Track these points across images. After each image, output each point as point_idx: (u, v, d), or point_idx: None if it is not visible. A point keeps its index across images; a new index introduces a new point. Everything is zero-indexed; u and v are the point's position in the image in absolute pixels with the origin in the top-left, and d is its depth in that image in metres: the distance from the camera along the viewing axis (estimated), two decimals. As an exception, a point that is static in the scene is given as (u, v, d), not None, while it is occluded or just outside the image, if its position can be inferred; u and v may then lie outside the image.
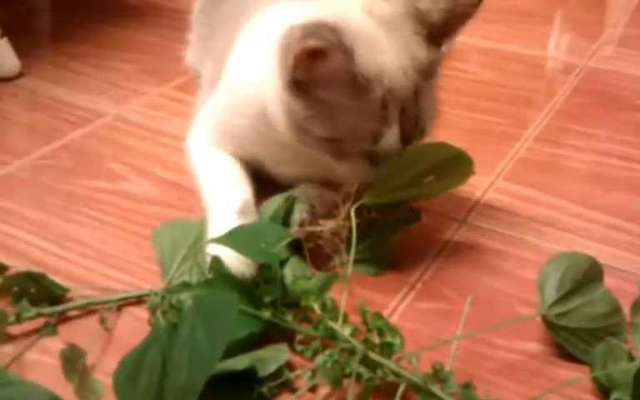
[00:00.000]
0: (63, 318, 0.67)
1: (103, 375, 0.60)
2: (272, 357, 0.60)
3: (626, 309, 0.64)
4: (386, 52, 0.68)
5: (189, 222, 0.74)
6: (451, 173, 0.73)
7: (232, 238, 0.67)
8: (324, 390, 0.60)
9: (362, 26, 0.69)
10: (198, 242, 0.71)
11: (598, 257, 0.66)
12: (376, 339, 0.61)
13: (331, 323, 0.61)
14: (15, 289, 0.66)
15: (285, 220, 0.73)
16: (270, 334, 0.62)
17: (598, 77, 1.21)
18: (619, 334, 0.63)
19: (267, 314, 0.62)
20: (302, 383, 0.60)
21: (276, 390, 0.59)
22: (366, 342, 0.60)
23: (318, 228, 0.69)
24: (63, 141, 0.98)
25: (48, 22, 1.44)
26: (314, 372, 0.60)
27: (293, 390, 0.60)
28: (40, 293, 0.67)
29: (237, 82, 0.79)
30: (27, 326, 0.65)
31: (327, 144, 0.70)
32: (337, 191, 0.74)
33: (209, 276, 0.66)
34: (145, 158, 0.94)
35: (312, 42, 0.63)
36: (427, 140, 0.73)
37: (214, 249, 0.67)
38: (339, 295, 0.65)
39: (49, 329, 0.65)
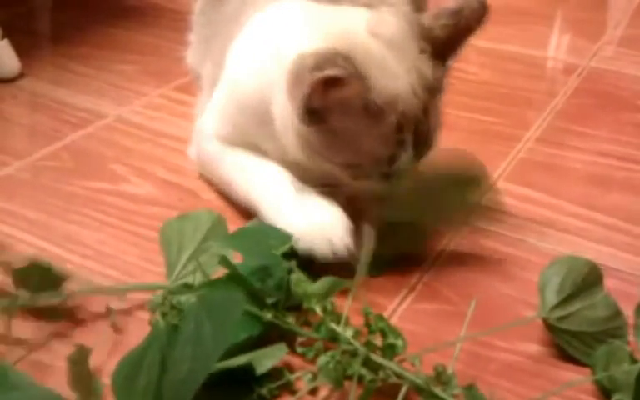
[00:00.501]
0: (74, 322, 0.67)
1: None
2: (270, 354, 0.60)
3: (626, 310, 0.64)
4: (396, 75, 0.68)
5: (199, 217, 0.73)
6: (465, 183, 0.75)
7: (237, 239, 0.67)
8: (324, 392, 0.60)
9: (372, 50, 0.68)
10: (206, 241, 0.71)
11: (599, 258, 0.66)
12: (378, 341, 0.61)
13: (333, 325, 0.61)
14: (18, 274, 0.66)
15: None
16: (270, 336, 0.62)
17: (599, 78, 1.21)
18: (621, 337, 0.63)
19: (268, 315, 0.62)
20: (303, 385, 0.60)
21: (276, 391, 0.59)
22: (368, 344, 0.60)
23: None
24: (64, 142, 0.98)
25: (49, 23, 1.44)
26: (315, 374, 0.60)
27: (293, 392, 0.60)
28: (44, 282, 0.66)
29: (239, 84, 0.79)
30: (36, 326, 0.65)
31: (342, 167, 0.71)
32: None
33: (211, 277, 0.66)
34: (146, 159, 0.93)
35: (329, 72, 0.63)
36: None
37: (301, 241, 0.69)
38: (340, 297, 0.65)
39: (54, 314, 0.65)
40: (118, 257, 0.76)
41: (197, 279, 0.66)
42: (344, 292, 0.67)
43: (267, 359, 0.59)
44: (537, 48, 1.33)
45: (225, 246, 0.67)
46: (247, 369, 0.58)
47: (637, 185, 0.91)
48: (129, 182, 0.89)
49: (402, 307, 0.70)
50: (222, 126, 0.83)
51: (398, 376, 0.57)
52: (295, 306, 0.65)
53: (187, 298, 0.63)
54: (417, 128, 0.69)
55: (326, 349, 0.61)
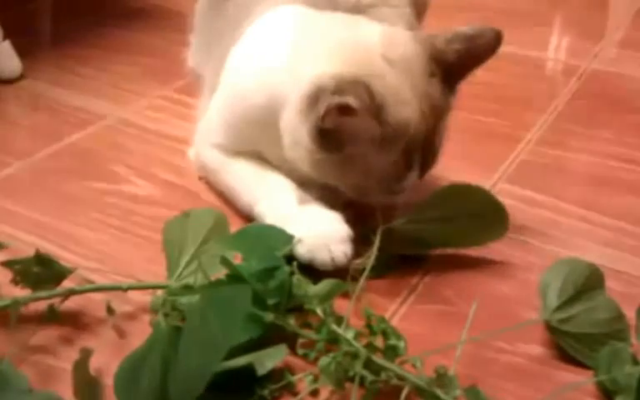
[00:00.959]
0: (78, 326, 0.67)
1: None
2: (271, 355, 0.60)
3: (629, 312, 0.64)
4: (408, 102, 0.68)
5: (201, 217, 0.73)
6: (483, 224, 0.74)
7: (238, 240, 0.67)
8: (325, 393, 0.60)
9: (388, 78, 0.68)
10: (207, 241, 0.71)
11: (602, 260, 0.66)
12: (379, 342, 0.60)
13: (334, 327, 0.61)
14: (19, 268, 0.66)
15: None
16: (271, 338, 0.62)
17: (601, 79, 1.21)
18: (623, 339, 0.63)
19: (269, 317, 0.62)
20: (304, 386, 0.60)
21: (277, 393, 0.59)
22: (369, 345, 0.60)
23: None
24: (65, 142, 0.98)
25: (50, 24, 1.44)
26: (316, 376, 0.60)
27: (295, 393, 0.60)
28: (45, 276, 0.66)
29: (247, 95, 0.78)
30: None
31: (348, 187, 0.72)
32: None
33: (212, 278, 0.66)
34: (147, 160, 0.93)
35: (348, 100, 0.64)
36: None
37: (300, 248, 0.69)
38: (341, 299, 0.64)
39: (53, 313, 0.65)
40: (119, 257, 0.76)
41: (198, 280, 0.66)
42: (345, 294, 0.67)
43: (268, 360, 0.59)
44: (539, 50, 1.33)
45: (226, 247, 0.67)
46: (249, 370, 0.58)
47: (639, 186, 0.91)
48: (130, 182, 0.89)
49: (403, 309, 0.70)
50: (225, 135, 0.82)
51: (400, 377, 0.57)
52: (296, 307, 0.65)
53: (188, 299, 0.63)
54: (425, 149, 0.70)
55: (327, 351, 0.61)
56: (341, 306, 0.65)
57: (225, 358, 0.54)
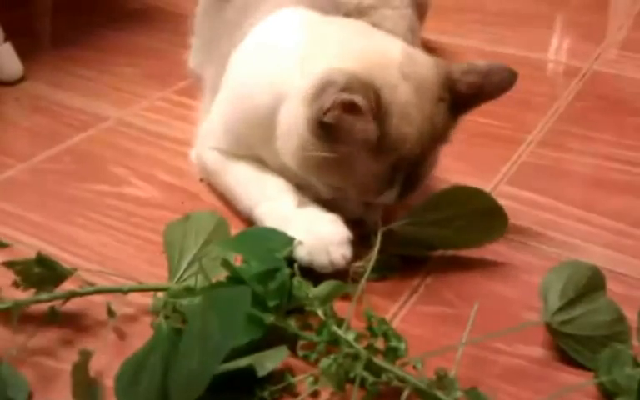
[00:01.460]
0: (78, 328, 0.67)
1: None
2: (271, 357, 0.60)
3: (631, 314, 0.64)
4: (412, 122, 0.69)
5: (202, 219, 0.73)
6: (482, 226, 0.74)
7: (239, 242, 0.67)
8: (326, 395, 0.60)
9: (399, 92, 0.68)
10: (208, 243, 0.71)
11: (603, 262, 0.66)
12: (380, 344, 0.60)
13: (334, 328, 0.61)
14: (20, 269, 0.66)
15: None
16: (272, 339, 0.62)
17: (602, 81, 1.21)
18: (624, 341, 0.63)
19: (270, 318, 0.62)
20: (304, 388, 0.60)
21: (278, 394, 0.59)
22: (370, 347, 0.60)
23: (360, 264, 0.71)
24: (66, 144, 0.98)
25: (51, 26, 1.44)
26: (316, 377, 0.60)
27: (295, 395, 0.60)
28: (46, 277, 0.66)
29: (252, 99, 0.78)
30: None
31: (327, 186, 0.72)
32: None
33: (213, 280, 0.66)
34: (147, 162, 0.93)
35: (355, 98, 0.64)
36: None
37: (301, 251, 0.69)
38: (342, 300, 0.64)
39: (54, 315, 0.65)
40: (120, 259, 0.76)
41: (199, 282, 0.66)
42: (346, 296, 0.67)
43: (268, 362, 0.59)
44: (539, 51, 1.33)
45: (227, 249, 0.67)
46: (249, 372, 0.58)
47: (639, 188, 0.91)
48: (131, 184, 0.89)
49: (404, 310, 0.70)
50: (226, 139, 0.82)
51: (400, 379, 0.57)
52: (297, 309, 0.65)
53: (189, 301, 0.63)
54: (411, 172, 0.70)
55: (328, 352, 0.61)
56: (342, 307, 0.65)
57: (225, 360, 0.54)
